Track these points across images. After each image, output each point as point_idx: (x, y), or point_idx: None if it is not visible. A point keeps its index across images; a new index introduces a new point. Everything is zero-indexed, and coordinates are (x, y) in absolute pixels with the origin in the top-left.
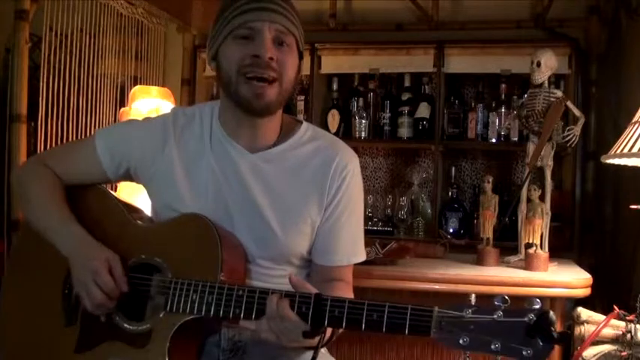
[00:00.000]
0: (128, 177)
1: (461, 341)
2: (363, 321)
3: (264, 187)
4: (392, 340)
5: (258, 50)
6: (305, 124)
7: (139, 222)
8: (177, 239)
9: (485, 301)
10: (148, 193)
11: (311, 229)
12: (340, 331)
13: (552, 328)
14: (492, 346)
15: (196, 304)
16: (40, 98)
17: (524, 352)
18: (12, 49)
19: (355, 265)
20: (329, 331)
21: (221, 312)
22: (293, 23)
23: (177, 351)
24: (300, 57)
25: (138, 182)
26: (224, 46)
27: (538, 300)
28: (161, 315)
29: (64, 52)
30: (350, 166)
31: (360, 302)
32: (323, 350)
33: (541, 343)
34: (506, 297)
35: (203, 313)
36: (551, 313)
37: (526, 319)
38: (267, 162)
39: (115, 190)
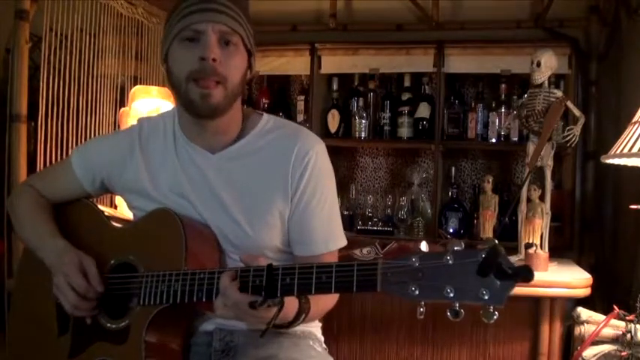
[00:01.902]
0: (105, 190)
1: (410, 291)
2: (313, 284)
3: (229, 186)
4: (392, 339)
5: (202, 52)
6: (266, 115)
7: (116, 225)
8: (145, 235)
9: None
10: (125, 202)
11: (281, 221)
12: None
13: (503, 262)
14: (446, 293)
15: (165, 294)
16: (40, 98)
17: (480, 295)
18: (12, 49)
19: None
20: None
21: (186, 297)
22: (238, 21)
23: (155, 342)
24: (249, 54)
25: (114, 193)
26: (171, 50)
27: (495, 240)
28: (137, 309)
29: (64, 52)
30: (312, 151)
31: (309, 266)
32: (321, 350)
33: (498, 282)
34: (462, 242)
35: (172, 300)
36: (498, 245)
37: (478, 258)
38: (229, 160)
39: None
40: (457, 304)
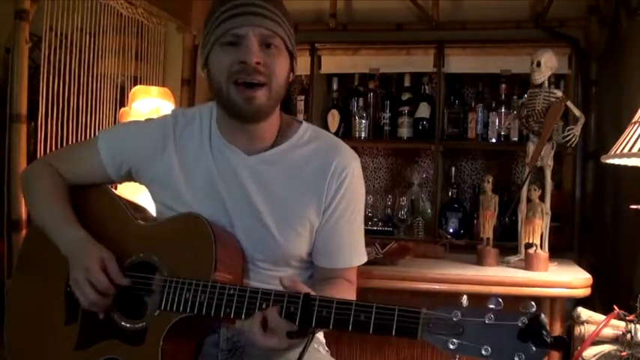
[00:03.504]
0: (130, 178)
1: (449, 345)
2: (350, 322)
3: (263, 190)
4: (392, 340)
5: (244, 56)
6: (305, 124)
7: (139, 221)
8: (174, 238)
9: (484, 301)
10: (150, 193)
11: (310, 232)
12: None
13: (544, 332)
14: (483, 351)
15: (189, 303)
16: (40, 98)
17: (516, 358)
18: (12, 49)
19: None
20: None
21: (212, 311)
22: (279, 24)
23: (171, 349)
24: (291, 56)
25: (140, 183)
26: (212, 54)
27: (533, 303)
28: (156, 313)
29: (64, 52)
30: (349, 168)
31: (348, 302)
32: (325, 352)
33: (534, 348)
34: (500, 299)
35: (195, 311)
36: (543, 316)
37: (518, 322)
38: (266, 164)
39: (116, 189)
40: None
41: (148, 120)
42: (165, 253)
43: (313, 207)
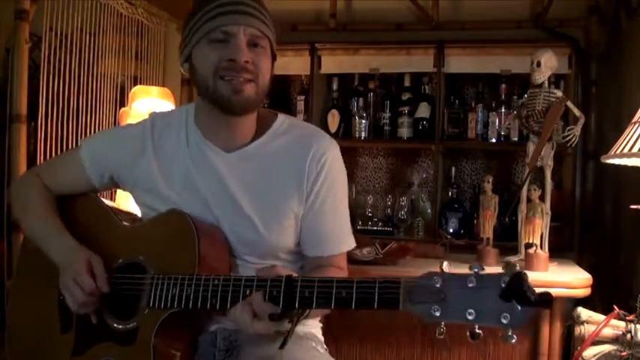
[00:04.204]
0: (113, 184)
1: (433, 312)
2: (333, 299)
3: (244, 185)
4: (392, 340)
5: (234, 54)
6: (281, 116)
7: (125, 223)
8: (158, 237)
9: None
10: (134, 198)
11: (294, 222)
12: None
13: (528, 290)
14: (467, 315)
15: (176, 298)
16: (40, 98)
17: (502, 319)
18: (12, 49)
19: (356, 265)
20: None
21: (199, 303)
22: (267, 25)
23: (164, 346)
24: (274, 58)
25: (123, 189)
26: (197, 49)
27: (516, 264)
28: (146, 312)
29: (64, 52)
30: (328, 153)
31: (329, 280)
32: (323, 351)
33: (519, 307)
34: (482, 265)
35: (183, 305)
36: (524, 273)
37: (501, 283)
38: (244, 160)
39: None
40: (477, 326)
41: (127, 125)
42: (151, 253)
43: (295, 196)
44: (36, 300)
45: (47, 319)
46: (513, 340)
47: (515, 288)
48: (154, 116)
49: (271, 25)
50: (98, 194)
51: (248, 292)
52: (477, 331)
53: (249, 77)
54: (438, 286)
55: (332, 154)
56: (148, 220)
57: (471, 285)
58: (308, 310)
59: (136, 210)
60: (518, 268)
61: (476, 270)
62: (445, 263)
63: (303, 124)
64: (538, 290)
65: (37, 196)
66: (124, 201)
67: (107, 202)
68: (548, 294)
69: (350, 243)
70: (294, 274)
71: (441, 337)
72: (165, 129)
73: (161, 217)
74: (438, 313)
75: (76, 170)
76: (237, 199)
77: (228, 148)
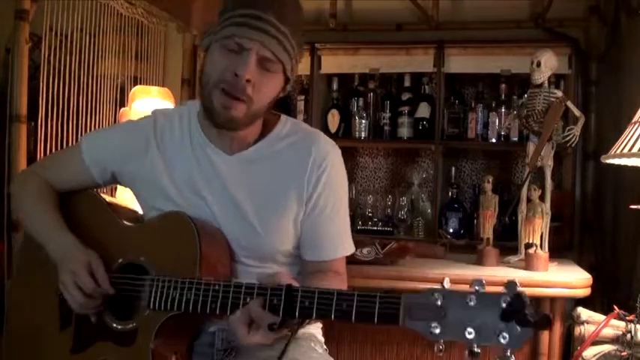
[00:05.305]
0: (115, 181)
1: (432, 329)
2: (333, 311)
3: (245, 187)
4: (392, 340)
5: (239, 69)
6: (283, 118)
7: (126, 223)
8: (159, 237)
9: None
10: (134, 194)
11: (294, 225)
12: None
13: (528, 311)
14: (466, 334)
15: (176, 301)
16: (40, 98)
17: (501, 339)
18: (12, 49)
19: (356, 265)
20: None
21: (199, 308)
22: (284, 47)
23: (163, 348)
24: (287, 80)
25: (124, 185)
26: (214, 48)
27: (517, 282)
28: (146, 313)
29: (64, 52)
30: (329, 157)
31: (330, 292)
32: (322, 351)
33: (518, 328)
34: (483, 281)
35: (183, 309)
36: (525, 293)
37: (501, 302)
38: (246, 162)
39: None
40: (475, 345)
41: (129, 122)
42: (151, 253)
43: (295, 200)
44: (36, 296)
45: (46, 315)
46: None
47: (516, 308)
48: (155, 113)
49: (291, 47)
50: (99, 190)
51: (248, 299)
52: (475, 350)
53: (242, 98)
54: (438, 303)
55: (333, 159)
56: (148, 220)
57: (471, 303)
58: (307, 320)
59: (137, 207)
60: (519, 288)
61: (477, 288)
62: (446, 279)
63: (304, 127)
64: (536, 292)
65: (37, 192)
66: (125, 198)
67: (108, 197)
68: (547, 316)
69: (349, 248)
70: (295, 283)
71: (440, 354)
72: (167, 126)
73: (162, 218)
74: (437, 331)
75: (78, 166)
76: (238, 201)
77: (231, 150)
